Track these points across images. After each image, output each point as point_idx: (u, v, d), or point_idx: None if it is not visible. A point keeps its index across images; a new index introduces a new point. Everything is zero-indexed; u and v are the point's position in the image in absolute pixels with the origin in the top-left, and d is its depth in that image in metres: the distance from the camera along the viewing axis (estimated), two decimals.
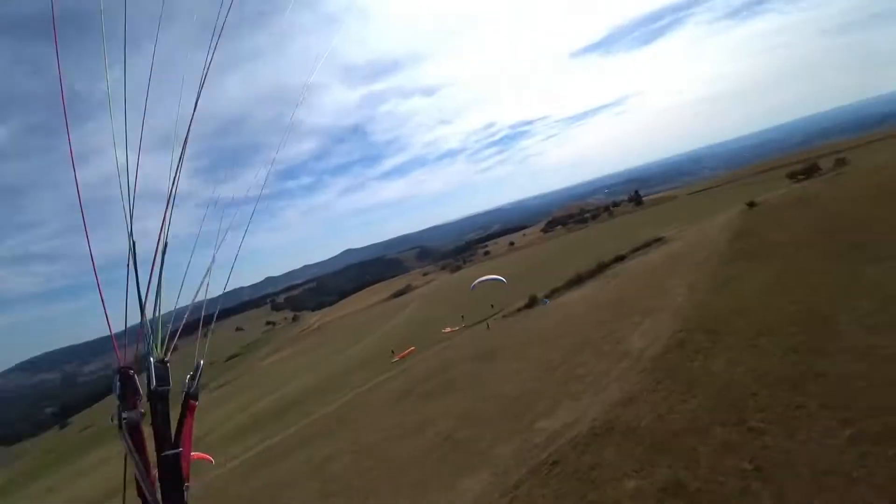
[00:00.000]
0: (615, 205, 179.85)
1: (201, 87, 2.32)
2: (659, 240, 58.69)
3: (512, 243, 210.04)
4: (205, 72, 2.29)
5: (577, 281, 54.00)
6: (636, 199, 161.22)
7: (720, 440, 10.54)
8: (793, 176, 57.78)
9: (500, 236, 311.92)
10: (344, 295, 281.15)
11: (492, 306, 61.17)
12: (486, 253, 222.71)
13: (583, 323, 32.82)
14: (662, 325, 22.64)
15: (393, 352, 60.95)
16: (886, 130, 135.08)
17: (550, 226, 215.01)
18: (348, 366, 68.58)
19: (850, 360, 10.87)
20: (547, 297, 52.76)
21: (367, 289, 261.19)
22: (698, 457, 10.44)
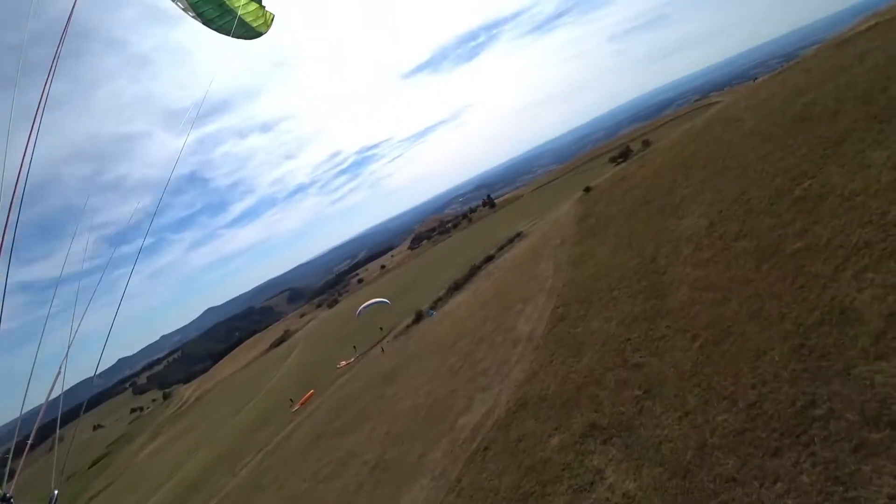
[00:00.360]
0: (472, 211, 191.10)
1: None
2: (518, 235, 64.55)
3: (383, 266, 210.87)
4: None
5: (456, 287, 57.08)
6: (489, 203, 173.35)
7: (614, 381, 12.82)
8: (614, 160, 68.79)
9: (369, 262, 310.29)
10: (217, 357, 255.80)
11: (381, 329, 61.55)
12: (360, 280, 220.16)
13: (471, 323, 35.13)
14: (542, 306, 25.58)
15: (292, 401, 57.96)
16: (673, 113, 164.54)
17: (416, 242, 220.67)
18: (246, 428, 63.22)
19: (686, 292, 14.00)
20: (432, 308, 54.79)
21: (243, 345, 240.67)
22: (601, 400, 12.59)
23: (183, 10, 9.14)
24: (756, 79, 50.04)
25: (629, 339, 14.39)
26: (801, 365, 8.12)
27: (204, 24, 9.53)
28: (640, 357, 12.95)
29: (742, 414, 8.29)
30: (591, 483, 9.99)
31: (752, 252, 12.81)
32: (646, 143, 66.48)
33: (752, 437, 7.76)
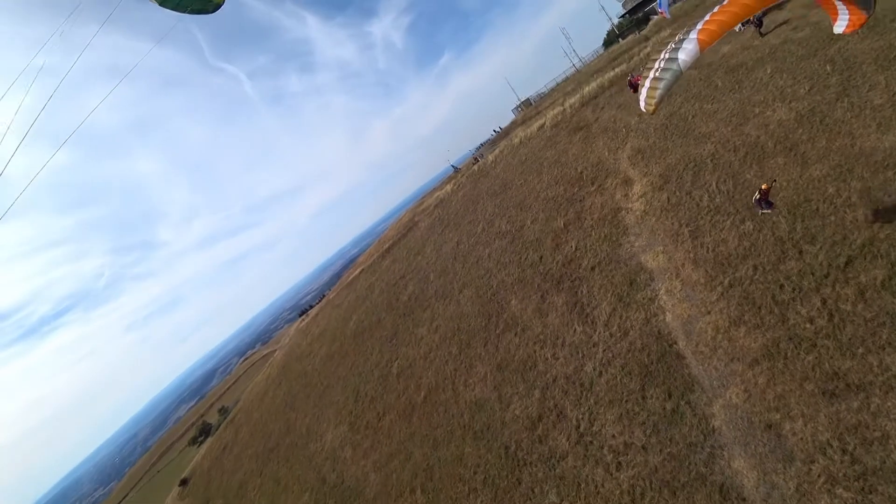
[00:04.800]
0: None
1: None
2: None
3: None
4: None
5: None
6: None
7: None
8: (195, 440, 63.27)
9: None
10: None
11: None
12: None
13: None
14: None
15: None
16: (231, 375, 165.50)
17: None
18: None
19: (350, 454, 16.60)
20: None
21: None
22: None
23: None
24: (302, 321, 61.20)
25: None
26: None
27: (161, 4, 9.90)
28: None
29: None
30: None
31: (382, 411, 17.24)
32: (223, 410, 65.64)
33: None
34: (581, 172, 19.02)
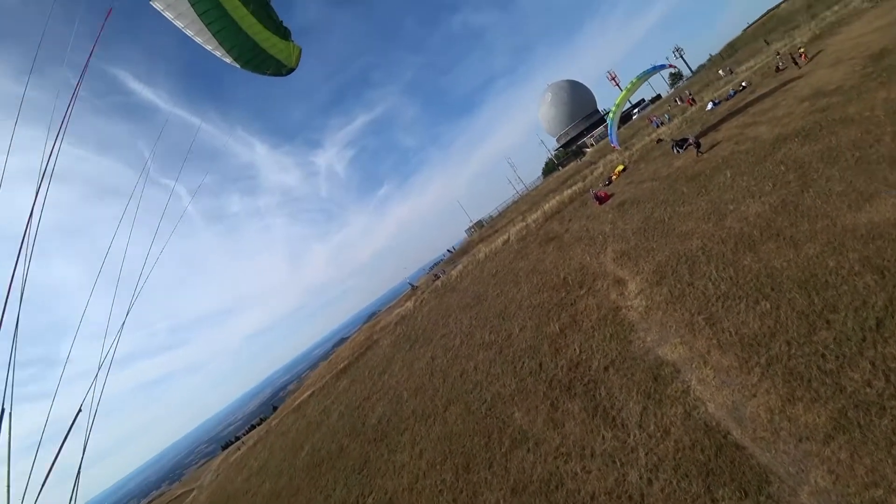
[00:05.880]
0: None
1: None
2: None
3: None
4: None
5: None
6: None
7: None
8: None
9: None
10: None
11: None
12: None
13: None
14: None
15: None
16: None
17: None
18: None
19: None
20: None
21: None
22: None
23: (220, 55, 10.41)
24: (233, 452, 53.32)
25: None
26: None
27: (242, 66, 10.74)
28: None
29: None
30: None
31: None
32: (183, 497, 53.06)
33: None
34: (565, 278, 18.92)
